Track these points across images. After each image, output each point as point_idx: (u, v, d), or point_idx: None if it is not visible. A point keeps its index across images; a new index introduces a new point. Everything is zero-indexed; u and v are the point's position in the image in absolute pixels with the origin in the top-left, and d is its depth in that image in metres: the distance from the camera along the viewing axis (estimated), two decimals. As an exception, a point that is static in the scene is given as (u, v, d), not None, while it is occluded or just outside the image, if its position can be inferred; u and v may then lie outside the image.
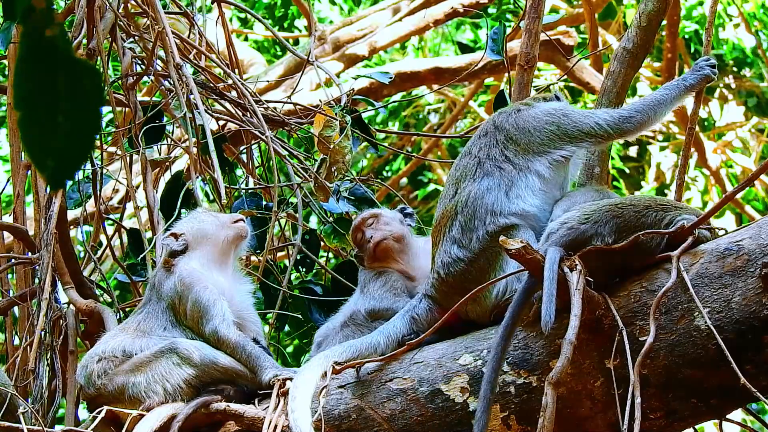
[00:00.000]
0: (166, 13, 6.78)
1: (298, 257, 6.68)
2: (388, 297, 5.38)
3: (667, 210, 4.59)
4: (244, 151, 7.39)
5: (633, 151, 15.90)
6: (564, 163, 5.01)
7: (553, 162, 4.96)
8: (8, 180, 7.03)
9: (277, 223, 6.61)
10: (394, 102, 13.61)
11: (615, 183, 14.52)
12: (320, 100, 6.84)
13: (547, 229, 4.66)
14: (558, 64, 13.35)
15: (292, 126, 7.16)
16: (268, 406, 4.75)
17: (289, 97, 7.78)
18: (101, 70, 6.57)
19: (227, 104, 7.12)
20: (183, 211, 6.17)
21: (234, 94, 7.13)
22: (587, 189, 5.14)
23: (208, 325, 5.08)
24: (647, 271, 4.46)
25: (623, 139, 5.21)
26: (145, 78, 7.06)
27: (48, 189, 6.33)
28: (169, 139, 7.07)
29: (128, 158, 6.68)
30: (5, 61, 7.46)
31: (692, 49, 14.77)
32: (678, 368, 4.26)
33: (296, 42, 14.78)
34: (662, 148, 15.83)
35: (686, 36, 14.77)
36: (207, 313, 5.09)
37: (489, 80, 14.90)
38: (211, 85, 7.06)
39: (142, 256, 6.30)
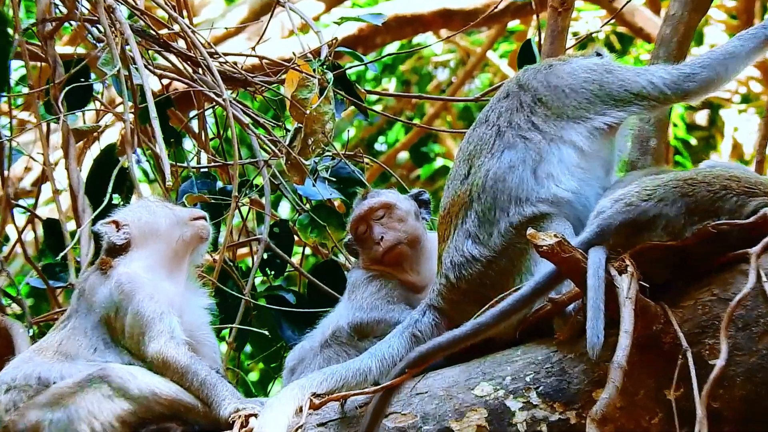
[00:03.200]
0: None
1: (265, 256, 6.68)
2: (379, 306, 5.37)
3: (753, 194, 4.54)
4: (195, 118, 7.39)
5: (701, 117, 15.89)
6: (608, 133, 5.00)
7: (594, 131, 4.96)
8: None
9: (237, 211, 6.61)
10: (390, 54, 13.60)
11: (678, 158, 14.52)
12: (294, 53, 6.83)
13: (597, 207, 4.64)
14: (603, 4, 13.34)
15: (258, 86, 7.15)
16: (226, 451, 4.76)
17: (253, 48, 7.77)
18: (10, 13, 6.55)
19: (173, 58, 7.12)
20: (115, 196, 6.15)
21: (182, 44, 7.12)
22: (643, 173, 5.07)
23: (151, 345, 5.07)
24: (719, 273, 4.46)
25: (685, 103, 5.21)
26: (68, 24, 7.04)
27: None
28: (98, 103, 7.06)
29: (45, 127, 6.67)
30: None
31: (779, -16, 14.78)
32: (760, 399, 4.27)
33: (263, -25, 14.76)
34: (740, 112, 15.83)
35: (771, -34, 14.79)
36: (150, 330, 5.09)
37: (513, 24, 14.89)
38: (153, 32, 7.05)
39: (62, 254, 6.29)
